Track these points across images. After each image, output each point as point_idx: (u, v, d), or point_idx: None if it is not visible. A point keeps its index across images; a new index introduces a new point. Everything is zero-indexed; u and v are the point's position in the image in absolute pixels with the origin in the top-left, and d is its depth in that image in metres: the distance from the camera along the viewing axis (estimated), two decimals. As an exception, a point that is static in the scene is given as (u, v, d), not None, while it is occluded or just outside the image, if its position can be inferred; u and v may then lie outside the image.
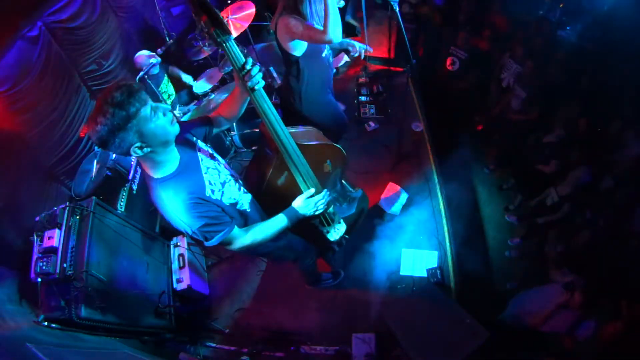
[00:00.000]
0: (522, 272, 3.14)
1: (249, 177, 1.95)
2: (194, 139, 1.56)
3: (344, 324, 2.67)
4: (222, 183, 1.56)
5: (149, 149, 1.28)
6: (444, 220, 3.11)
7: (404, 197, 3.24)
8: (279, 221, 1.66)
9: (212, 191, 1.48)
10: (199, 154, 1.53)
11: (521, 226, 3.45)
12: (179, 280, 2.79)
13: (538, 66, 3.45)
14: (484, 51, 3.93)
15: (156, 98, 3.45)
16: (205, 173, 1.50)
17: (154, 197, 1.39)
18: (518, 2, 3.80)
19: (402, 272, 2.85)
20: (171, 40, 3.83)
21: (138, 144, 1.25)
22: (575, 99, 3.25)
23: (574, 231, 2.86)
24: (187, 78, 3.96)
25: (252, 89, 1.42)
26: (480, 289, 2.91)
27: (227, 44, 1.31)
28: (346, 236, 2.25)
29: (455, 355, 2.10)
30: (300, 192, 1.76)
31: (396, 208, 3.19)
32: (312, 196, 1.74)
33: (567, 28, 3.74)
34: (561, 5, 3.79)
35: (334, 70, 2.70)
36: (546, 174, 3.33)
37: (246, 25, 3.38)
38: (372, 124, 3.87)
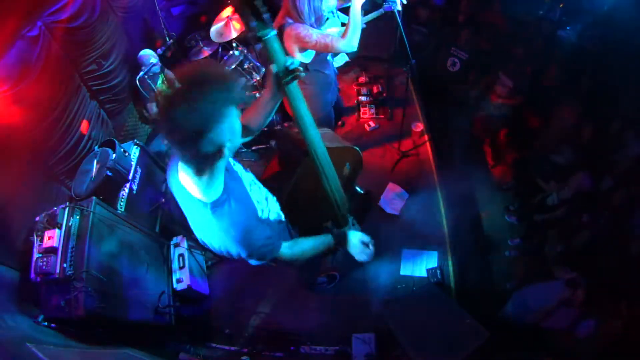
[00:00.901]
0: (522, 272, 3.14)
1: (268, 180, 1.96)
2: None
3: (344, 324, 2.66)
4: (265, 199, 1.46)
5: (229, 153, 1.08)
6: (444, 221, 3.11)
7: (403, 197, 3.24)
8: (325, 243, 1.53)
9: (262, 210, 1.38)
10: (233, 167, 1.39)
11: (521, 226, 3.44)
12: (179, 280, 2.79)
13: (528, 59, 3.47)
14: (484, 51, 3.93)
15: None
16: (250, 191, 1.38)
17: (203, 222, 1.21)
18: (518, 2, 3.80)
19: (402, 272, 2.85)
20: (171, 40, 3.83)
21: (229, 143, 1.04)
22: (576, 100, 3.24)
23: (574, 231, 2.86)
24: None
25: (288, 82, 1.31)
26: (480, 289, 2.91)
27: (269, 37, 1.21)
28: None
29: (456, 355, 2.10)
30: (322, 198, 1.71)
31: (396, 208, 3.19)
32: (365, 242, 1.60)
33: (567, 28, 3.74)
34: (561, 5, 3.78)
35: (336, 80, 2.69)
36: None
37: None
38: (372, 123, 3.87)
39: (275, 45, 1.23)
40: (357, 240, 1.57)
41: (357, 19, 2.02)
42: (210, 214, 1.16)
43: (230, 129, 1.03)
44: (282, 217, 1.58)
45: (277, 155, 3.65)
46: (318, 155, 1.58)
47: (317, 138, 1.54)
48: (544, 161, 3.27)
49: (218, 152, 1.04)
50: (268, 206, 1.45)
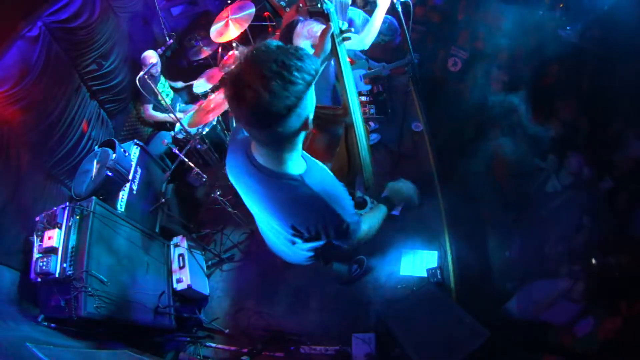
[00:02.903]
0: (523, 272, 3.14)
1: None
2: None
3: (344, 324, 2.67)
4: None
5: (312, 125, 1.04)
6: (444, 220, 3.11)
7: (404, 197, 3.23)
8: (382, 211, 1.64)
9: None
10: None
11: (522, 226, 3.44)
12: (179, 280, 2.79)
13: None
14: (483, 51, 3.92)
15: (156, 97, 3.45)
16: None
17: (296, 199, 1.13)
18: (518, 1, 3.79)
19: (402, 272, 2.84)
20: (171, 40, 3.82)
21: (311, 115, 0.99)
22: (575, 99, 3.24)
23: (574, 231, 2.85)
24: (176, 84, 4.03)
25: (340, 42, 1.55)
26: (480, 289, 2.91)
27: (330, 7, 1.46)
28: None
29: (455, 355, 2.10)
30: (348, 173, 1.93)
31: (396, 208, 3.18)
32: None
33: (567, 28, 3.74)
34: (561, 5, 3.78)
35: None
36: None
37: (246, 25, 3.38)
38: (372, 124, 3.87)
39: (335, 11, 1.47)
40: (398, 187, 1.68)
41: (378, 22, 2.13)
42: (305, 185, 1.10)
43: (312, 99, 0.97)
44: None
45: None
46: (354, 111, 1.76)
47: (355, 92, 1.72)
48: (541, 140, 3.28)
49: (303, 126, 0.99)
50: None
